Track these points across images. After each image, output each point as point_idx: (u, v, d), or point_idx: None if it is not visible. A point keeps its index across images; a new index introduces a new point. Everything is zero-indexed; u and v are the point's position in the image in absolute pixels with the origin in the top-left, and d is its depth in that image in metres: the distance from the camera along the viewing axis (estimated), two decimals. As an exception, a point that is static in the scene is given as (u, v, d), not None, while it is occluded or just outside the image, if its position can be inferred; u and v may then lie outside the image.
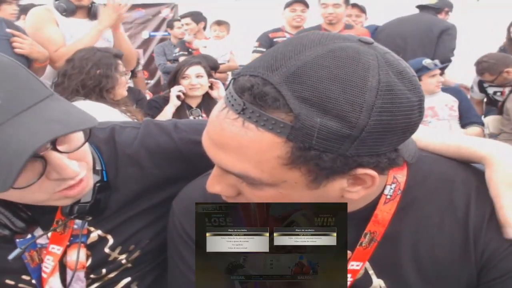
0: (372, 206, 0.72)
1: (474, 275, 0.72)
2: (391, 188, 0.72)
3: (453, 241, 0.71)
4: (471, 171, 0.76)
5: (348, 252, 0.73)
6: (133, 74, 3.59)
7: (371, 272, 0.74)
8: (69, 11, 2.67)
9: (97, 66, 2.11)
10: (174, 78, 2.95)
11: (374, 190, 0.65)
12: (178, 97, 2.88)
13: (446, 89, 3.50)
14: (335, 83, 0.55)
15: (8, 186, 0.63)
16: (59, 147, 0.70)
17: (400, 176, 0.73)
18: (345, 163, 0.58)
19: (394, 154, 0.61)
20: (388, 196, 0.72)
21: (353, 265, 0.73)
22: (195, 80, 2.92)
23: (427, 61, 3.27)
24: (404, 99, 0.57)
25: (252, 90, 0.57)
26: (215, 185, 0.67)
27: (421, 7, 4.13)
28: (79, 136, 0.75)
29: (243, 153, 0.59)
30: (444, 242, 0.72)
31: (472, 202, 0.72)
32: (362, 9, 4.62)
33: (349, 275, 0.73)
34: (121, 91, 2.24)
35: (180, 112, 2.92)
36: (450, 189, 0.73)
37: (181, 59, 4.30)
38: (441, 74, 3.38)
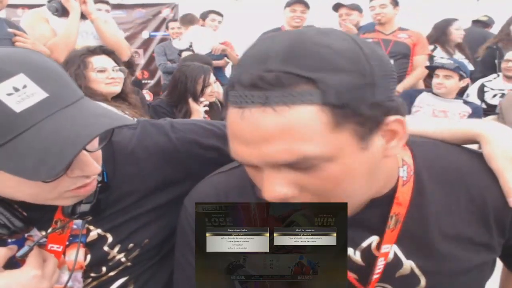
0: (393, 190, 0.74)
1: (499, 245, 0.77)
2: (403, 170, 0.75)
3: (472, 217, 0.75)
4: (468, 152, 0.80)
5: (377, 238, 0.75)
6: (132, 73, 3.56)
7: (400, 254, 0.76)
8: (60, 12, 2.68)
9: (66, 67, 2.13)
10: (198, 89, 2.76)
11: (403, 142, 0.67)
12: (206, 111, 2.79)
13: (470, 103, 3.54)
14: (326, 49, 0.59)
15: (57, 172, 0.63)
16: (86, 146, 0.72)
17: (407, 157, 0.76)
18: (378, 110, 0.60)
19: (398, 101, 0.65)
20: (404, 178, 0.75)
21: (384, 248, 0.74)
22: (215, 87, 2.84)
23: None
24: (374, 48, 0.63)
25: (263, 79, 0.57)
26: (275, 188, 0.62)
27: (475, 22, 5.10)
28: (97, 138, 0.77)
29: (291, 135, 0.58)
30: (464, 218, 0.75)
31: (481, 179, 0.75)
32: (351, 8, 4.63)
33: (382, 258, 0.74)
34: (103, 89, 2.22)
35: (214, 114, 2.81)
36: (457, 169, 0.76)
37: (184, 54, 4.31)
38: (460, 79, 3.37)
